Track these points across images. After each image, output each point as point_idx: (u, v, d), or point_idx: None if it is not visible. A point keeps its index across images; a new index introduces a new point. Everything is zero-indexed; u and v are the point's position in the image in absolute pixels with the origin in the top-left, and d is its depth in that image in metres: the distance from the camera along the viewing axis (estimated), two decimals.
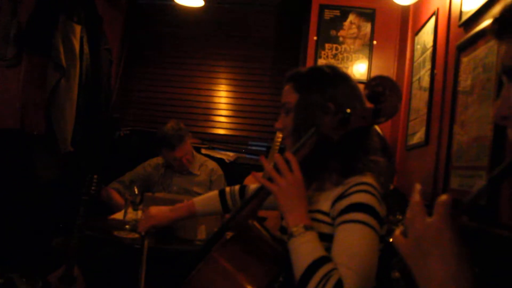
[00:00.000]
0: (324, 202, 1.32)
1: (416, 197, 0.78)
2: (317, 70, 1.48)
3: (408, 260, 0.76)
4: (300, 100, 1.40)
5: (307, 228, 1.19)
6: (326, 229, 1.28)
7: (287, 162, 1.25)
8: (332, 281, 1.10)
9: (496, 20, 0.76)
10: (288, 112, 1.45)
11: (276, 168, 1.25)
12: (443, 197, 0.74)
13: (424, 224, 0.74)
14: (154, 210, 1.85)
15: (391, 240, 1.54)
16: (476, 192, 0.72)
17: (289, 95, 1.44)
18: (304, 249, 1.17)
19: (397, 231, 0.80)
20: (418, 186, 0.79)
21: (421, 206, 0.77)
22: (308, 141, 1.28)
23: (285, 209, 1.23)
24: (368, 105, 1.27)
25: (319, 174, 1.39)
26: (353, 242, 1.18)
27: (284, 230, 1.39)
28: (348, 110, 1.25)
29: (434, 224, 0.73)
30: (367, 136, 1.37)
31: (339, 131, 1.26)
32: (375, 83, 1.24)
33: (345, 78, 1.43)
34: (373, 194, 1.25)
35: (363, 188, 1.26)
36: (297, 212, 1.22)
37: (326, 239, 1.23)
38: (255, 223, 1.30)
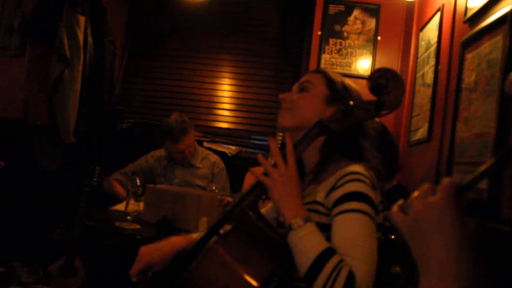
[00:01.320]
0: (319, 193, 1.32)
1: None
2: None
3: (407, 238, 0.75)
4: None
5: (306, 219, 1.18)
6: (322, 219, 1.28)
7: (284, 155, 1.25)
8: (344, 273, 1.09)
9: None
10: (302, 90, 1.47)
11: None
12: (448, 179, 0.73)
13: (426, 203, 0.73)
14: (145, 248, 1.47)
15: (390, 236, 1.54)
16: (482, 170, 0.71)
17: (315, 79, 1.48)
18: (307, 242, 1.16)
19: (395, 207, 0.79)
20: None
21: (427, 186, 0.75)
22: (310, 133, 1.28)
23: (280, 201, 1.22)
24: (371, 97, 1.26)
25: (319, 164, 1.39)
26: (353, 232, 1.18)
27: (281, 225, 1.39)
28: (351, 103, 1.26)
29: (437, 203, 0.72)
30: (363, 128, 1.39)
31: (342, 124, 1.26)
32: (379, 75, 1.23)
33: None
34: (365, 182, 1.25)
35: (354, 177, 1.25)
36: (292, 204, 1.20)
37: (323, 228, 1.22)
38: (256, 215, 1.30)
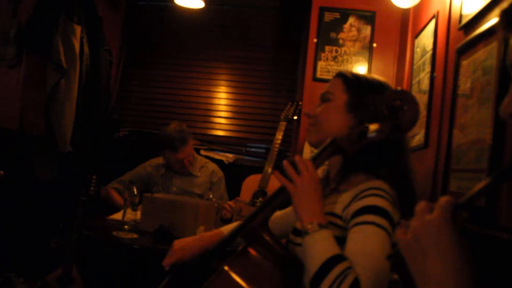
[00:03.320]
0: (338, 205, 1.34)
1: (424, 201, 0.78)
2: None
3: (405, 256, 0.76)
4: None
5: (322, 226, 1.19)
6: (337, 232, 1.28)
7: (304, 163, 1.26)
8: (349, 280, 1.10)
9: (504, 12, 0.76)
10: (324, 101, 1.48)
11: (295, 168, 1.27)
12: (445, 197, 0.74)
13: (424, 221, 0.74)
14: (178, 243, 1.68)
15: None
16: (478, 189, 0.72)
17: (335, 86, 1.49)
18: (318, 246, 1.17)
19: (399, 228, 0.80)
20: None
21: (424, 205, 0.76)
22: (324, 151, 1.30)
23: (299, 207, 1.23)
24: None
25: (339, 175, 1.42)
26: (367, 243, 1.19)
27: (296, 231, 1.42)
28: (367, 124, 1.26)
29: (434, 221, 0.73)
30: (391, 148, 1.38)
31: (356, 144, 1.27)
32: (394, 97, 1.25)
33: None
34: (385, 198, 1.26)
35: (375, 192, 1.26)
36: (311, 210, 1.22)
37: (338, 242, 1.22)
38: (266, 235, 1.30)
